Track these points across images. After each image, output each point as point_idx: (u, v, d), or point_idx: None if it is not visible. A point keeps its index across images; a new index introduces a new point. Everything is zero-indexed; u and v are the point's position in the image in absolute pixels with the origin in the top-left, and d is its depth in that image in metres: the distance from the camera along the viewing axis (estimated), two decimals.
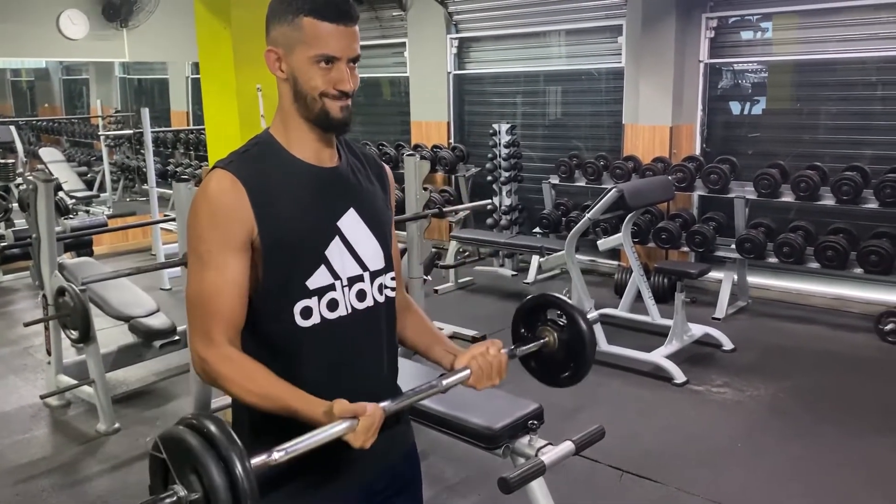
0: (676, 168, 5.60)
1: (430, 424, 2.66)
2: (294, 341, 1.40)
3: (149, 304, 4.44)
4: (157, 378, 4.28)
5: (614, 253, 6.05)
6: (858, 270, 4.76)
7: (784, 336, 4.98)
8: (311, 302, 1.40)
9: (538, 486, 2.48)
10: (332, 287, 1.41)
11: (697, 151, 5.99)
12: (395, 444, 1.59)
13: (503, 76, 7.31)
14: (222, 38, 3.35)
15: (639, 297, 5.00)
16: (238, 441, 1.11)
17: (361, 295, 1.45)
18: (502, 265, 6.57)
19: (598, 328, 4.50)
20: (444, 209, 4.46)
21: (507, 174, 6.41)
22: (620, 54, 6.28)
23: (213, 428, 1.10)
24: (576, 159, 6.25)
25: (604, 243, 5.05)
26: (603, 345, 4.49)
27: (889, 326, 4.70)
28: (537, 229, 6.29)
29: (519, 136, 6.55)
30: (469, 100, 7.56)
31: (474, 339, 4.92)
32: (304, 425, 1.44)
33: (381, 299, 1.49)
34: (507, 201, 6.45)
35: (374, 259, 1.48)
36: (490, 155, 6.49)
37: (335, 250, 1.42)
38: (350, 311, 1.44)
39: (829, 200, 4.94)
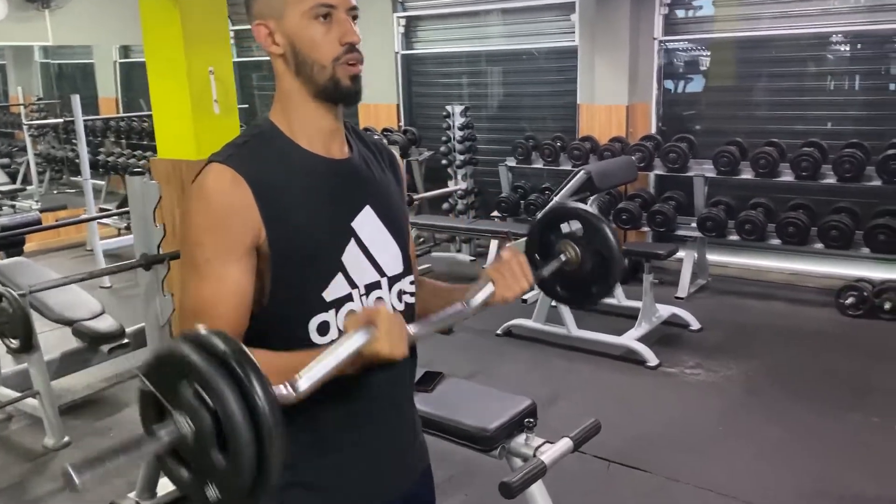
0: (635, 148, 5.55)
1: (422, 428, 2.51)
2: None
3: (93, 305, 4.14)
4: (106, 384, 4.02)
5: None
6: (819, 246, 4.80)
7: (747, 313, 5.00)
8: (329, 315, 1.22)
9: (537, 487, 2.37)
10: (349, 297, 1.24)
11: (653, 130, 5.95)
12: (412, 468, 1.44)
13: (453, 56, 7.12)
14: (170, 16, 3.07)
15: None
16: (255, 360, 0.89)
17: (380, 304, 1.29)
18: (459, 250, 6.43)
19: (566, 312, 4.42)
20: (415, 197, 4.28)
21: (462, 157, 6.25)
22: (574, 32, 6.18)
23: (220, 343, 0.89)
24: (532, 141, 6.14)
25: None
26: (573, 329, 4.41)
27: (849, 300, 4.75)
28: (495, 213, 6.17)
29: (472, 118, 6.39)
30: (418, 81, 7.36)
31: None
32: (335, 448, 1.28)
33: (400, 307, 1.32)
34: (462, 185, 6.30)
35: (392, 262, 1.31)
36: (444, 138, 6.32)
37: (351, 255, 1.25)
38: None
39: (788, 177, 4.95)
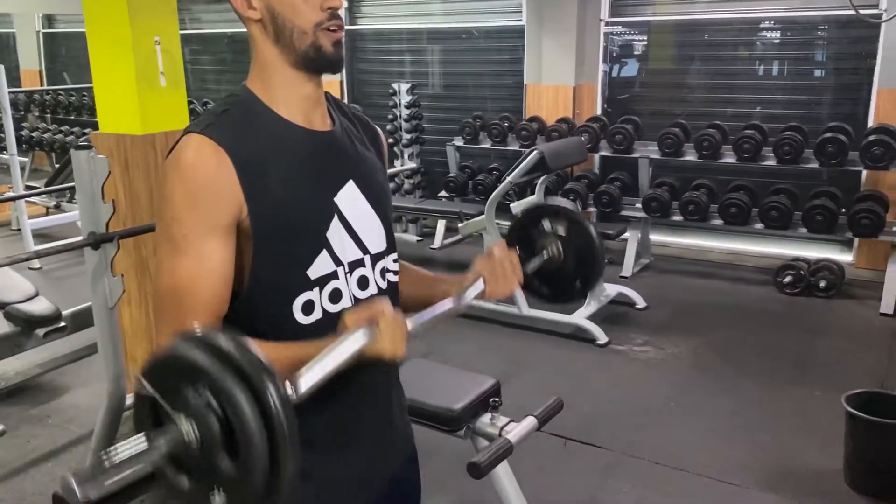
0: (582, 129, 5.59)
1: None
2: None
3: (26, 287, 3.93)
4: (41, 370, 3.82)
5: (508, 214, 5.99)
6: (759, 226, 4.94)
7: (690, 292, 5.12)
8: (313, 294, 1.18)
9: (502, 466, 2.37)
10: (334, 275, 1.21)
11: (599, 111, 6.01)
12: (398, 450, 1.41)
13: (399, 33, 7.02)
14: None
15: None
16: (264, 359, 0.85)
17: (363, 282, 1.25)
18: (405, 231, 6.38)
19: (518, 292, 4.42)
20: None
21: (409, 136, 6.19)
22: (521, 12, 6.17)
23: (225, 342, 0.84)
24: (480, 121, 6.11)
25: (518, 206, 4.95)
26: (524, 309, 4.43)
27: (787, 279, 4.91)
28: (443, 193, 6.13)
29: (417, 96, 6.32)
30: (362, 58, 7.23)
31: None
32: (321, 434, 1.23)
33: (383, 285, 1.29)
34: (410, 164, 6.24)
35: (376, 239, 1.28)
36: (390, 116, 6.23)
37: (335, 231, 1.21)
38: (353, 302, 1.23)
39: (730, 158, 5.08)
